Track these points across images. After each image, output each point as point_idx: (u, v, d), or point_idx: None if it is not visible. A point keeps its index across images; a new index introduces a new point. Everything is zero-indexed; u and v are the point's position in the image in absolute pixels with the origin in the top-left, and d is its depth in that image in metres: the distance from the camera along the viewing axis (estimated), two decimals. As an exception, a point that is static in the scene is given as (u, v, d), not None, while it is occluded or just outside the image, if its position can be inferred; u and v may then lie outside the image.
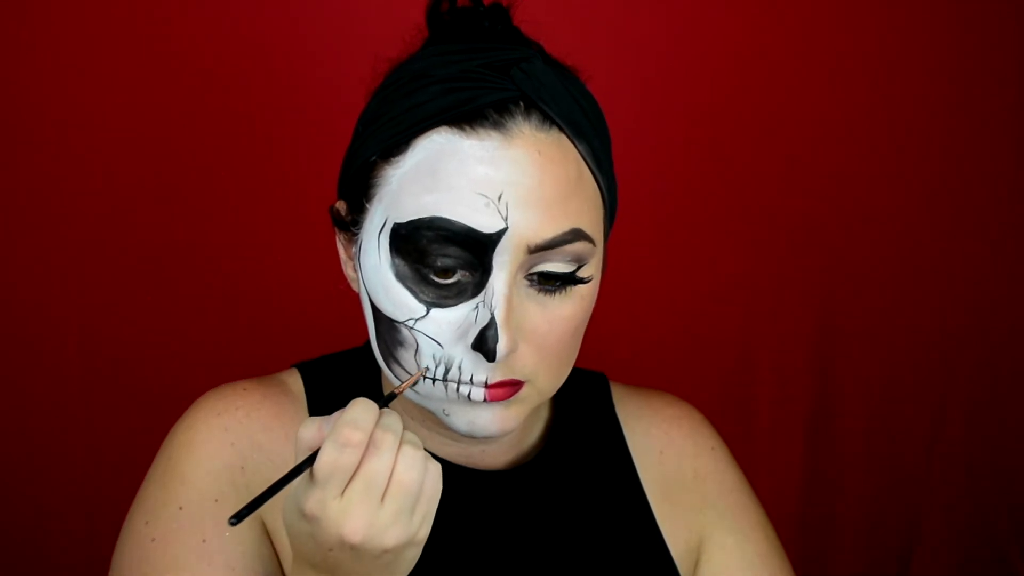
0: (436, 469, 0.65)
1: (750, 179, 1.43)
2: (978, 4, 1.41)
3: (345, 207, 0.79)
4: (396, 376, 0.76)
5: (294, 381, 0.87)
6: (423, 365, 0.73)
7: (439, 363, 0.73)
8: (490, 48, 0.75)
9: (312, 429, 0.64)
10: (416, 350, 0.73)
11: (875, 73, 1.42)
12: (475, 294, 0.71)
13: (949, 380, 1.50)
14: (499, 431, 0.75)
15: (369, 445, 0.63)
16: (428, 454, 0.65)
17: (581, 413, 0.91)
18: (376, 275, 0.74)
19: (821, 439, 1.50)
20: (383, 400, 0.70)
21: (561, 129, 0.74)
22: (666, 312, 1.42)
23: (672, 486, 0.92)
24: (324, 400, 0.86)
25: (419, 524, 0.64)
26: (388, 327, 0.74)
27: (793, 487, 1.50)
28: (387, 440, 0.63)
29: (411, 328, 0.73)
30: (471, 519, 0.83)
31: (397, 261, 0.72)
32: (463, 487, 0.83)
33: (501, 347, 0.70)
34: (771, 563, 0.92)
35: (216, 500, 0.78)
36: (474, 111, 0.72)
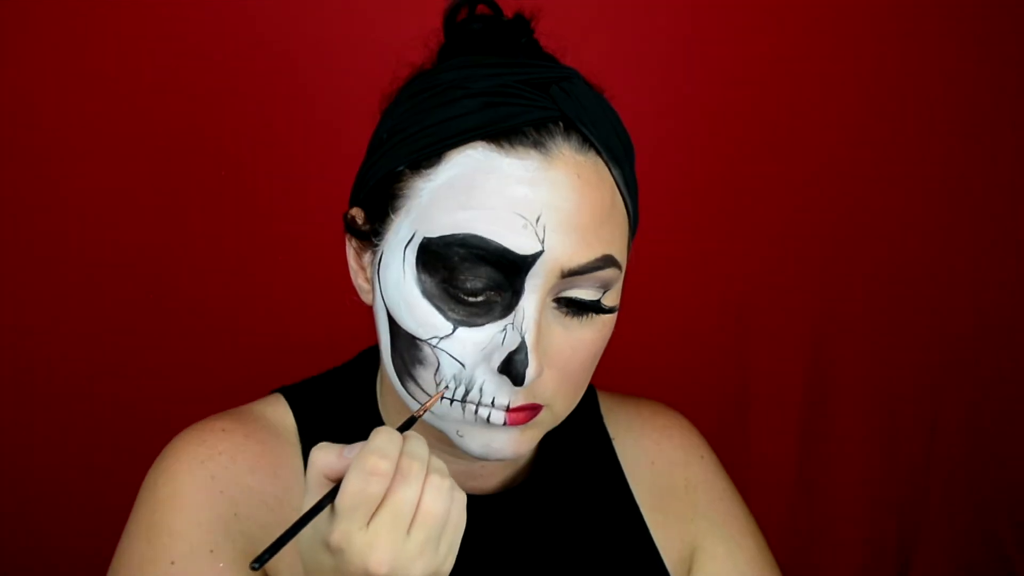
0: (461, 498, 0.63)
1: (746, 184, 1.43)
2: (978, 6, 1.40)
3: (363, 215, 0.76)
4: (411, 394, 0.74)
5: (276, 410, 0.84)
6: (442, 385, 0.71)
7: (459, 384, 0.71)
8: (528, 64, 0.73)
9: (331, 456, 0.62)
10: (437, 369, 0.71)
11: (872, 78, 1.42)
12: (503, 315, 0.70)
13: (947, 382, 1.50)
14: (513, 454, 0.74)
15: (396, 474, 0.61)
16: (454, 482, 0.63)
17: (571, 427, 0.89)
18: (398, 290, 0.72)
19: (818, 441, 1.50)
20: (403, 424, 0.68)
21: (598, 153, 0.72)
22: (662, 317, 1.42)
23: (664, 496, 0.92)
24: (317, 428, 0.82)
25: (445, 555, 0.63)
26: (408, 344, 0.72)
27: (790, 490, 1.50)
28: (414, 469, 0.61)
29: (434, 347, 0.70)
30: (464, 545, 0.82)
31: (423, 276, 0.70)
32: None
33: (531, 372, 0.69)
34: (761, 570, 0.92)
35: (211, 551, 0.74)
36: (513, 128, 0.70)
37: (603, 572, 0.85)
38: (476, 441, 0.73)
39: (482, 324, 0.70)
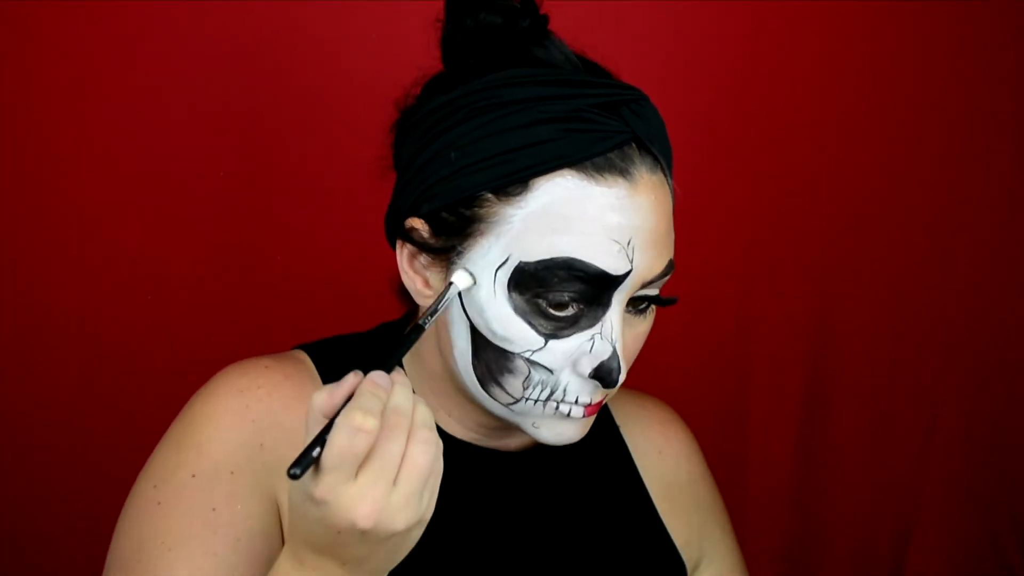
0: (440, 444, 0.66)
1: (747, 179, 1.43)
2: (978, 5, 1.41)
3: (429, 230, 0.79)
4: (493, 396, 0.79)
5: (306, 361, 0.88)
6: (530, 391, 0.77)
7: (545, 387, 0.77)
8: (593, 83, 0.77)
9: (323, 394, 0.64)
10: (527, 377, 0.76)
11: (874, 73, 1.42)
12: (589, 325, 0.76)
13: (946, 380, 1.50)
14: (580, 437, 0.81)
15: (383, 428, 0.62)
16: (435, 427, 0.65)
17: None
18: (489, 307, 0.76)
19: (816, 440, 1.50)
20: (407, 334, 0.71)
21: (663, 169, 0.78)
22: (661, 318, 1.42)
23: (671, 486, 0.97)
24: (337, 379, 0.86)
25: (427, 503, 0.65)
26: (497, 355, 0.77)
27: (788, 488, 1.50)
28: (401, 423, 0.63)
29: (528, 359, 0.76)
30: (492, 497, 0.86)
31: (514, 295, 0.75)
32: (484, 467, 0.87)
33: (622, 378, 0.76)
34: (740, 554, 1.02)
35: (232, 473, 0.78)
36: (597, 153, 0.74)
37: (613, 537, 0.90)
38: (551, 432, 0.79)
39: (569, 335, 0.75)
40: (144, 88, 1.26)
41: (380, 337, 0.92)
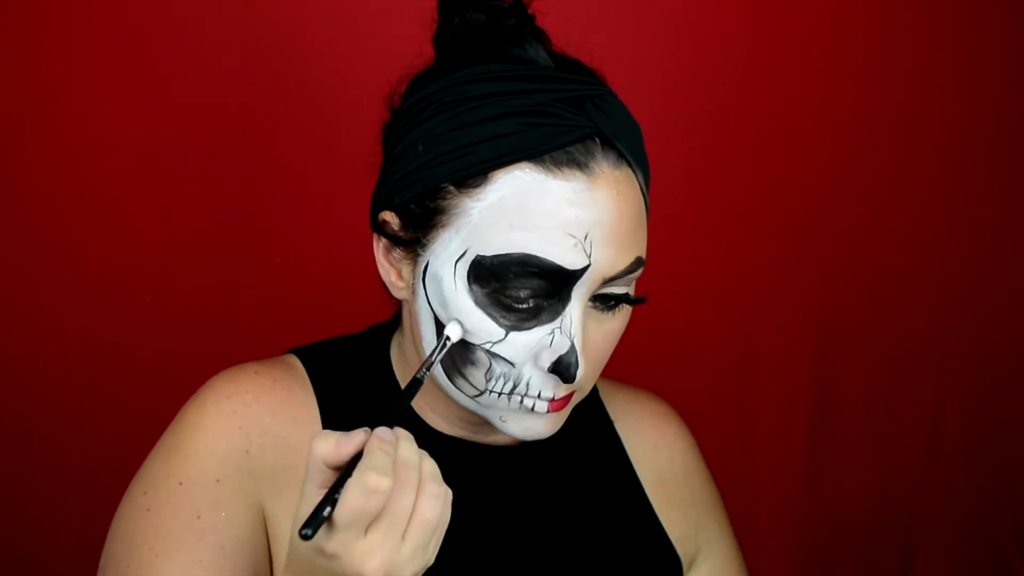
0: (450, 496, 0.66)
1: (750, 179, 1.43)
2: (978, 4, 1.41)
3: (398, 222, 0.80)
4: (459, 388, 0.79)
5: (296, 366, 0.88)
6: (492, 383, 0.77)
7: (508, 380, 0.77)
8: (559, 79, 0.77)
9: (329, 444, 0.63)
10: (488, 369, 0.77)
11: (875, 73, 1.43)
12: (550, 320, 0.75)
13: (949, 379, 1.50)
14: (550, 434, 0.81)
15: (394, 484, 0.62)
16: (444, 484, 0.65)
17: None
18: (451, 299, 0.76)
19: (822, 439, 1.50)
20: (407, 387, 0.71)
21: (629, 164, 0.77)
22: (667, 311, 1.42)
23: (666, 480, 0.97)
24: (330, 386, 0.87)
25: (432, 552, 0.65)
26: (459, 347, 0.77)
27: (794, 486, 1.50)
28: (411, 478, 0.63)
29: (488, 351, 0.76)
30: (481, 492, 0.86)
31: (475, 288, 0.75)
32: (475, 461, 0.87)
33: (580, 372, 0.75)
34: (738, 554, 1.01)
35: (218, 480, 0.80)
36: (556, 148, 0.74)
37: (606, 531, 0.91)
38: (518, 426, 0.79)
39: (531, 328, 0.75)
40: (140, 90, 1.26)
41: (371, 339, 0.92)
